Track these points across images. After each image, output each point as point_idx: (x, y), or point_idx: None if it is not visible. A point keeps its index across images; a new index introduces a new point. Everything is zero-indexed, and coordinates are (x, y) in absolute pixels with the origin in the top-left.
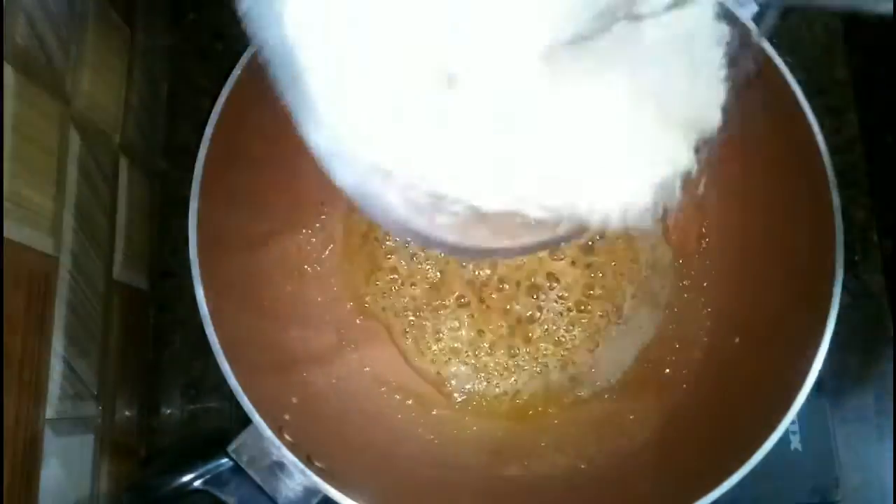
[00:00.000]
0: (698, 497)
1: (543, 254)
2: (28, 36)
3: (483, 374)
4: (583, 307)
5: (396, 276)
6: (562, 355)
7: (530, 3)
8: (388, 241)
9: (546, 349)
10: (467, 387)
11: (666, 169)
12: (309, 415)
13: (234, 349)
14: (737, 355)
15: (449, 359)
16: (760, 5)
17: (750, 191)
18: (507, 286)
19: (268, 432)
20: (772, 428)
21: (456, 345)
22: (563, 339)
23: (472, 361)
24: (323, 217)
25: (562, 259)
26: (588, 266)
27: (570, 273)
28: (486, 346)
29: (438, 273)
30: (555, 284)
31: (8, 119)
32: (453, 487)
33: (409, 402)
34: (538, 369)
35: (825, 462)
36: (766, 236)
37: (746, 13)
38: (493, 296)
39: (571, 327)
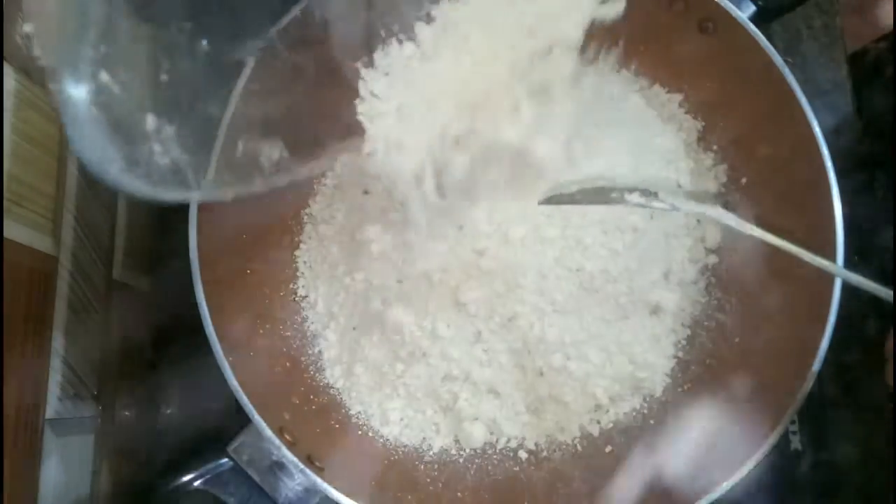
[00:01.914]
0: (698, 497)
1: None
2: (28, 36)
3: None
4: None
5: None
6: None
7: None
8: None
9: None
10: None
11: None
12: (309, 414)
13: (235, 349)
14: (737, 355)
15: None
16: (759, 6)
17: (749, 190)
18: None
19: (268, 432)
20: (772, 428)
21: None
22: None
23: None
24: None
25: None
26: None
27: None
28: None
29: None
30: None
31: (8, 119)
32: (453, 486)
33: None
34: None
35: (825, 462)
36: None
37: (745, 14)
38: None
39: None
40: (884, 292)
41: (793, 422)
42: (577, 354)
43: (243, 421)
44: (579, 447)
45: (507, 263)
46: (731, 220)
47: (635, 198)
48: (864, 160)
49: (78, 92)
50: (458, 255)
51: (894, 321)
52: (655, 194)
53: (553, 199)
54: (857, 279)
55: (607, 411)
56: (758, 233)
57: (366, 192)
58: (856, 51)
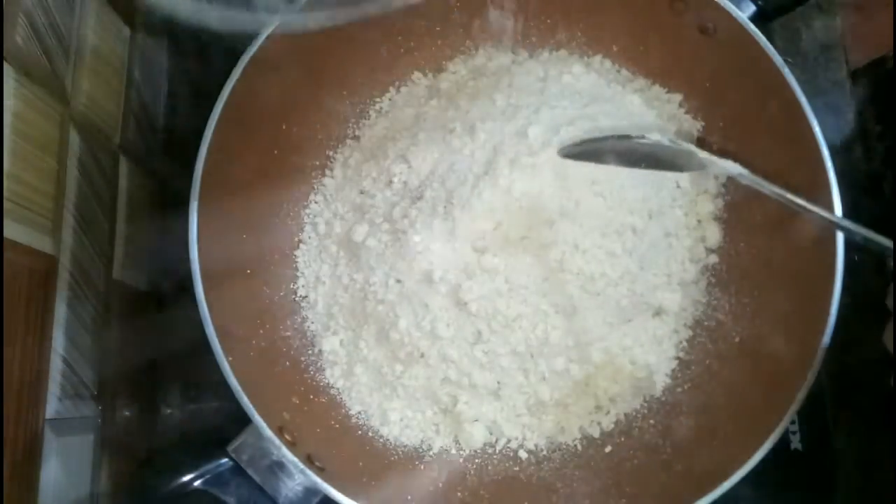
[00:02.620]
0: (699, 497)
1: None
2: (28, 36)
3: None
4: None
5: None
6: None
7: None
8: None
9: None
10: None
11: None
12: (309, 414)
13: (235, 349)
14: (737, 355)
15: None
16: (759, 6)
17: (749, 189)
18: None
19: (268, 432)
20: (772, 428)
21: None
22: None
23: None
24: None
25: None
26: None
27: None
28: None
29: None
30: None
31: (8, 119)
32: (453, 486)
33: None
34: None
35: (825, 462)
36: (767, 239)
37: (745, 14)
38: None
39: None
40: (885, 241)
41: (793, 422)
42: (579, 357)
43: (243, 421)
44: (579, 447)
45: (508, 262)
46: (747, 176)
47: (655, 135)
48: (866, 162)
49: None
50: (458, 254)
51: (894, 277)
52: (675, 141)
53: (571, 150)
54: (860, 234)
55: (608, 412)
56: (778, 192)
57: (362, 192)
58: (876, 58)
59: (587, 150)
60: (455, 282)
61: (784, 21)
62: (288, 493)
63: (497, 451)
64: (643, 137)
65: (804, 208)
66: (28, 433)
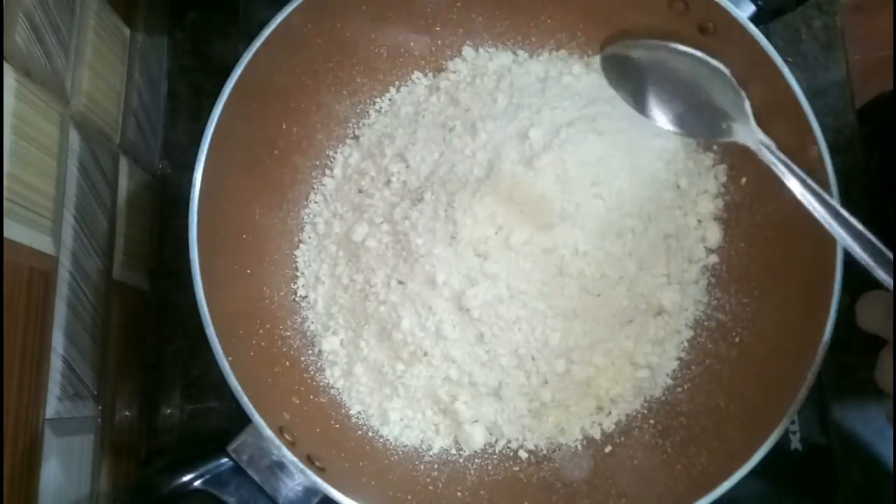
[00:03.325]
0: (698, 497)
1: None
2: (28, 36)
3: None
4: None
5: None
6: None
7: None
8: None
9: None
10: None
11: None
12: (309, 415)
13: (235, 349)
14: (737, 355)
15: None
16: (759, 6)
17: (749, 189)
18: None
19: (268, 432)
20: (772, 428)
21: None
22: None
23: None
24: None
25: None
26: None
27: None
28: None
29: None
30: None
31: (8, 119)
32: (453, 486)
33: None
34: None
35: (825, 462)
36: (767, 239)
37: (745, 14)
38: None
39: None
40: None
41: (793, 422)
42: (581, 359)
43: (243, 421)
44: (580, 447)
45: (510, 268)
46: (773, 147)
47: (679, 46)
48: (866, 161)
49: None
50: (461, 259)
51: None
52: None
53: (618, 50)
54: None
55: (609, 413)
56: (798, 171)
57: (361, 192)
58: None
59: (633, 57)
60: (458, 288)
61: (784, 21)
62: (288, 493)
63: (497, 452)
64: (672, 42)
65: (816, 194)
66: (28, 433)
